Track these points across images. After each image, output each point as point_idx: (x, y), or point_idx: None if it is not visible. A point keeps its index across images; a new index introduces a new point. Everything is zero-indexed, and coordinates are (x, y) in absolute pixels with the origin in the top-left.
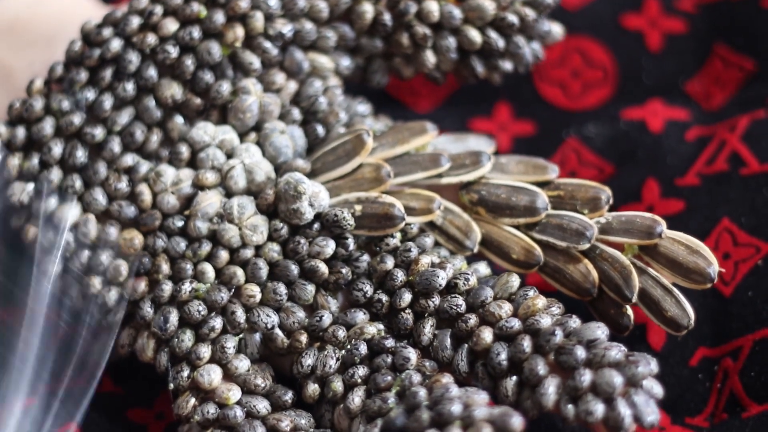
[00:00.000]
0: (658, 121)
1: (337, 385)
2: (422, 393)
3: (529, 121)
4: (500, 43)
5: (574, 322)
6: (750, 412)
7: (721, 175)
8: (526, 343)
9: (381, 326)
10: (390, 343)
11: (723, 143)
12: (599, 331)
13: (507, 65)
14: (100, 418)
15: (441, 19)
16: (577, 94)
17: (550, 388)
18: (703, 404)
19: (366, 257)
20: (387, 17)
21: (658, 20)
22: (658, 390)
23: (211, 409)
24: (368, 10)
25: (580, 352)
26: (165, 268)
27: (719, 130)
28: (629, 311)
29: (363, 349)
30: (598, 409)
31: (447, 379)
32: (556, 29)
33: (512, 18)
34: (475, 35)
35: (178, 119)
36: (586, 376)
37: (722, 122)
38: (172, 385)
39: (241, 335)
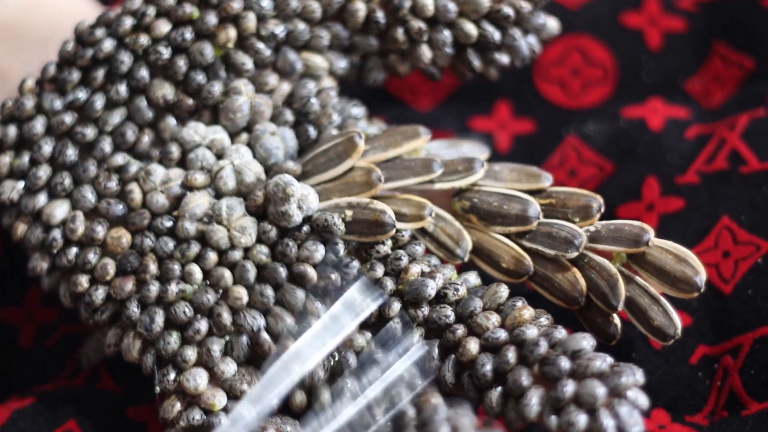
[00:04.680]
0: (658, 119)
1: (326, 397)
2: (411, 413)
3: (528, 120)
4: (496, 35)
5: (560, 332)
6: (750, 410)
7: (720, 173)
8: (511, 354)
9: (369, 335)
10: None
11: (723, 141)
12: (584, 341)
13: (504, 59)
14: (99, 416)
15: (436, 12)
16: (576, 93)
17: (534, 399)
18: (703, 402)
19: (356, 263)
20: (380, 15)
21: (658, 19)
22: (643, 401)
23: (197, 415)
24: (360, 8)
25: (564, 363)
26: (152, 268)
27: (719, 129)
28: (617, 320)
29: (352, 360)
30: (581, 420)
31: (436, 399)
32: (552, 23)
33: (507, 10)
34: (470, 28)
35: (170, 120)
36: (569, 387)
37: (722, 120)
38: (158, 388)
39: (227, 338)
